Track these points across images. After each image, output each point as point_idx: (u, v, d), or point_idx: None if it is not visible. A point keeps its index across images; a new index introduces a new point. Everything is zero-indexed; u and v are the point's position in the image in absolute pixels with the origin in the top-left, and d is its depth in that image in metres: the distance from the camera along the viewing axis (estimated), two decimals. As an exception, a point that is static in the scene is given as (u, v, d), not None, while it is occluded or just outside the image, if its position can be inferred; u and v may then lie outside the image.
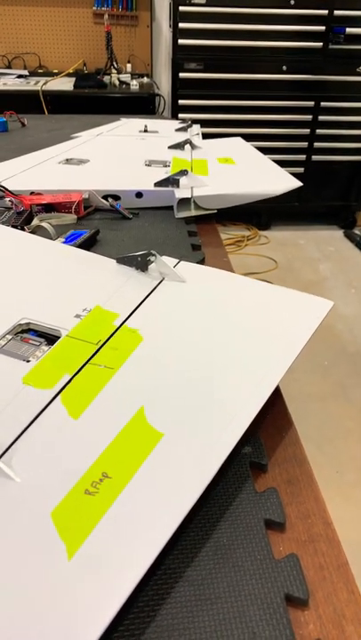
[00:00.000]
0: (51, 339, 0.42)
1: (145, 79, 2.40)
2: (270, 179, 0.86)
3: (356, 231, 2.79)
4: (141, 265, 0.53)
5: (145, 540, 0.26)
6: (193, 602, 0.27)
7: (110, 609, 0.23)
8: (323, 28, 2.25)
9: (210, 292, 0.50)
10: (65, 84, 2.22)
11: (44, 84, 2.16)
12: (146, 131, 1.16)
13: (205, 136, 1.16)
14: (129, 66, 2.48)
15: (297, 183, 0.83)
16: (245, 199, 0.79)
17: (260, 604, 0.27)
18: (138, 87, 2.23)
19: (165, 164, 0.88)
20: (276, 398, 0.43)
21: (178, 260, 0.55)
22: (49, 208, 0.72)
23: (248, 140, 1.12)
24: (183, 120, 1.28)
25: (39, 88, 2.10)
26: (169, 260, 0.54)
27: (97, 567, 0.25)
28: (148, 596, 0.27)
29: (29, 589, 0.24)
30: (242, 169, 0.91)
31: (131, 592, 0.23)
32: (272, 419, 0.41)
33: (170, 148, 0.99)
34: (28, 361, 0.39)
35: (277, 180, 0.85)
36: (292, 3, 2.18)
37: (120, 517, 0.27)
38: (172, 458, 0.31)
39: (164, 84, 2.59)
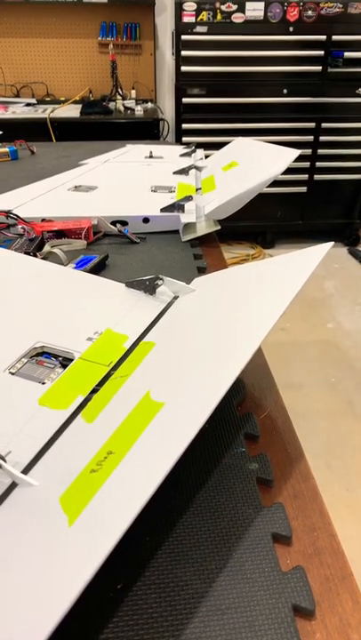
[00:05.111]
0: (64, 361, 0.44)
1: (149, 104, 2.46)
2: (271, 162, 0.87)
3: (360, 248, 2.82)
4: (149, 289, 0.55)
5: (135, 493, 0.27)
6: (204, 612, 0.28)
7: (100, 556, 0.24)
8: (322, 52, 2.31)
9: (216, 287, 0.53)
10: (72, 111, 2.28)
11: (52, 111, 2.23)
12: (151, 157, 1.20)
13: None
14: (133, 92, 2.55)
15: (295, 153, 0.84)
16: (254, 192, 0.79)
17: (269, 614, 0.28)
18: (142, 112, 2.30)
19: (171, 190, 0.91)
20: (281, 416, 0.45)
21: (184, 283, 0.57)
22: (59, 234, 0.75)
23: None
24: (187, 145, 1.31)
25: (47, 115, 2.16)
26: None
27: (91, 526, 0.26)
28: (161, 607, 0.29)
29: (36, 554, 0.26)
30: (245, 167, 0.93)
31: (118, 540, 0.24)
32: (278, 436, 0.42)
33: (175, 173, 1.02)
34: (44, 383, 0.41)
35: (278, 161, 0.85)
36: (291, 29, 2.24)
37: (115, 481, 0.29)
38: (170, 416, 0.32)
39: (167, 109, 2.66)
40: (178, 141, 2.41)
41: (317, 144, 2.52)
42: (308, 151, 2.53)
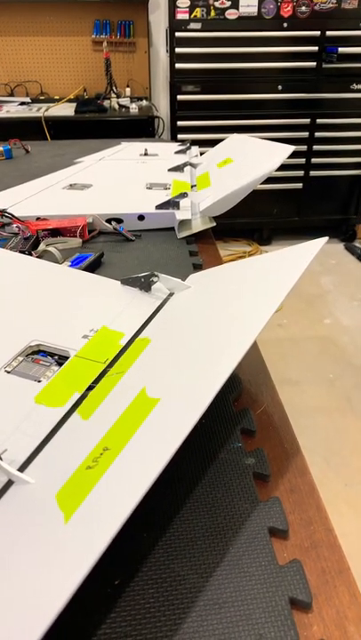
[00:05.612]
0: (60, 359, 0.44)
1: (144, 102, 2.46)
2: (265, 158, 0.87)
3: (357, 244, 2.82)
4: (145, 285, 0.55)
5: (131, 489, 0.27)
6: (202, 606, 0.29)
7: (96, 552, 0.24)
8: (316, 48, 2.31)
9: (211, 284, 0.53)
10: (66, 110, 2.28)
11: (46, 110, 2.22)
12: (146, 154, 1.20)
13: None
14: (128, 90, 2.54)
15: (290, 149, 0.84)
16: (249, 188, 0.79)
17: (266, 607, 0.29)
18: (137, 110, 2.29)
19: (166, 187, 0.91)
20: (278, 411, 0.45)
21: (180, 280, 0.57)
22: (55, 233, 0.74)
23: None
24: (182, 142, 1.31)
25: (41, 114, 2.15)
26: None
27: (87, 522, 0.26)
28: (158, 602, 0.29)
29: (32, 551, 0.26)
30: (240, 163, 0.93)
31: (114, 536, 0.24)
32: (274, 431, 0.42)
33: (170, 170, 1.02)
34: (40, 381, 0.41)
35: (272, 157, 0.85)
36: (285, 25, 2.24)
37: (111, 476, 0.29)
38: (166, 412, 0.32)
39: (162, 107, 2.66)
40: (173, 139, 2.41)
41: (313, 140, 2.52)
42: (304, 147, 2.53)
